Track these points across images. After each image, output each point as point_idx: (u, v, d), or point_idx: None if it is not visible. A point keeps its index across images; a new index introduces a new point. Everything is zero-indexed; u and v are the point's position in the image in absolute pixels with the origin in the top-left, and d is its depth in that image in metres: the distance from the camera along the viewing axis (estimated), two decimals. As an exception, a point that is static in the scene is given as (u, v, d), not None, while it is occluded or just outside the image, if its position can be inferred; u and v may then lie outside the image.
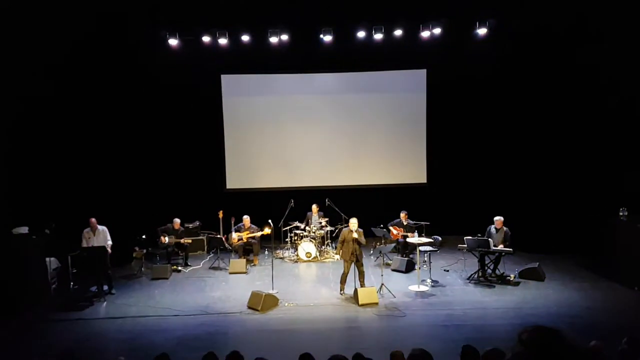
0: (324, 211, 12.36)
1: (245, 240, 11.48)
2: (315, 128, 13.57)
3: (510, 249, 9.70)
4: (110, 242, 9.85)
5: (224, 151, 13.53)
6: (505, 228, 10.10)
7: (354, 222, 9.11)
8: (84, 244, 9.67)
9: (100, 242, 9.71)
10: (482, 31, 11.85)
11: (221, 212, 12.03)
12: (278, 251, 12.28)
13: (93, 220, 9.77)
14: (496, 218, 10.20)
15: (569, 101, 11.76)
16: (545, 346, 2.07)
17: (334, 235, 12.26)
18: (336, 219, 12.19)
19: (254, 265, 11.46)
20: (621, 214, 9.84)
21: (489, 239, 9.76)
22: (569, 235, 11.30)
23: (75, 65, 11.22)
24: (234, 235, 11.50)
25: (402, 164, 13.66)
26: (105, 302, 9.28)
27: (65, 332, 8.01)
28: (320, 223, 12.09)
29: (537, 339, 2.11)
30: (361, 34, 12.12)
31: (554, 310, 8.35)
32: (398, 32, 12.04)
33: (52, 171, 11.25)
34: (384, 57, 12.72)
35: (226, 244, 11.76)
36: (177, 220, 11.47)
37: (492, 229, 10.18)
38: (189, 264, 11.56)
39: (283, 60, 12.67)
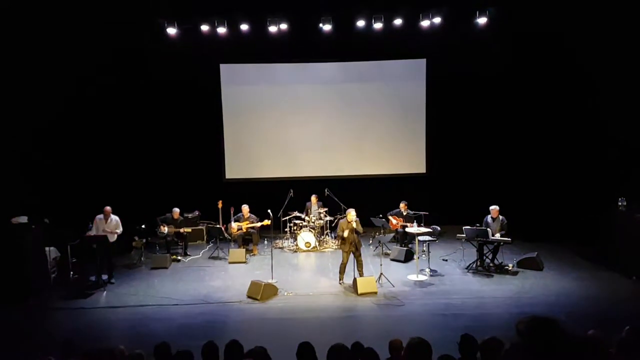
0: (323, 201, 12.37)
1: (244, 230, 11.49)
2: (314, 118, 13.54)
3: (509, 239, 9.73)
4: (119, 230, 9.91)
5: (223, 141, 13.51)
6: (501, 217, 10.14)
7: (352, 214, 9.11)
8: (93, 232, 9.68)
9: (111, 229, 9.79)
10: (482, 20, 11.78)
11: (220, 202, 12.03)
12: (277, 241, 12.30)
13: (108, 208, 9.84)
14: (492, 207, 10.23)
15: (568, 91, 11.72)
16: (543, 336, 2.08)
17: (332, 225, 12.28)
18: (335, 209, 12.19)
19: (254, 254, 11.49)
20: (620, 204, 9.85)
21: (488, 229, 9.79)
22: (568, 224, 11.32)
23: (72, 56, 11.14)
24: (234, 225, 11.51)
25: (402, 153, 13.66)
26: (105, 291, 9.31)
27: (65, 321, 8.05)
28: (320, 213, 12.10)
29: (534, 329, 2.12)
30: (361, 23, 12.05)
31: (552, 300, 8.39)
32: (398, 22, 11.98)
33: (52, 160, 11.22)
34: (384, 46, 12.66)
35: (225, 234, 11.78)
36: (177, 210, 11.48)
37: (489, 218, 10.22)
38: (189, 253, 11.59)
39: (282, 50, 12.62)
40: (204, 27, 11.97)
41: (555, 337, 2.07)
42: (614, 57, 10.57)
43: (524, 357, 2.15)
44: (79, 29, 10.81)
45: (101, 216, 9.83)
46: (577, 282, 9.28)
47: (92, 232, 9.73)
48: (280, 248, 11.95)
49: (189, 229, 11.63)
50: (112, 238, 9.80)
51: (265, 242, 12.27)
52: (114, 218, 9.92)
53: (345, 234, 9.00)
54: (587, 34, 10.77)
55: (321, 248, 11.81)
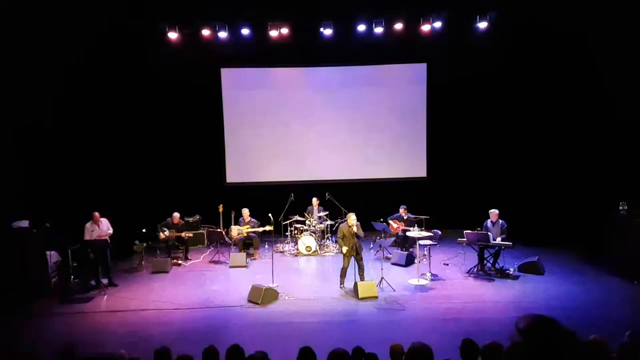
0: (324, 205, 12.36)
1: (245, 234, 11.49)
2: (315, 122, 13.55)
3: (510, 243, 9.71)
4: (110, 231, 9.92)
5: (224, 145, 13.52)
6: (501, 221, 10.12)
7: (352, 218, 9.11)
8: (87, 237, 9.67)
9: (105, 232, 9.82)
10: (482, 25, 11.82)
11: (221, 206, 12.05)
12: (278, 245, 12.29)
13: (97, 214, 9.81)
14: (491, 211, 10.21)
15: (569, 94, 11.73)
16: (543, 334, 2.07)
17: (333, 229, 12.27)
18: (336, 213, 12.19)
19: (254, 259, 11.48)
20: (621, 208, 9.84)
21: (489, 233, 9.77)
22: (569, 229, 11.31)
23: (74, 60, 11.16)
24: (234, 229, 11.51)
25: (402, 157, 13.66)
26: (106, 296, 9.30)
27: (66, 326, 8.04)
28: (320, 217, 12.09)
29: (534, 327, 2.11)
30: (361, 28, 12.09)
31: (553, 304, 8.36)
32: (398, 26, 12.02)
33: (53, 165, 11.21)
34: (384, 50, 12.72)
35: (226, 238, 11.77)
36: (176, 215, 11.47)
37: (489, 222, 10.20)
38: (189, 257, 11.59)
39: (283, 54, 12.66)
40: (205, 32, 12.01)
41: (557, 336, 2.07)
42: (615, 60, 10.56)
43: (524, 356, 2.15)
44: (80, 33, 10.83)
45: (90, 222, 9.77)
46: (578, 286, 9.26)
47: (87, 237, 9.70)
48: (281, 252, 11.94)
49: (189, 233, 11.63)
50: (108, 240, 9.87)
51: (266, 246, 12.26)
52: (104, 221, 9.94)
53: (344, 250, 9.08)
54: (588, 37, 10.80)
55: (322, 252, 11.80)
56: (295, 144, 13.59)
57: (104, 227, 9.85)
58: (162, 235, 11.16)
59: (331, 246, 12.08)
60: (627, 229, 9.60)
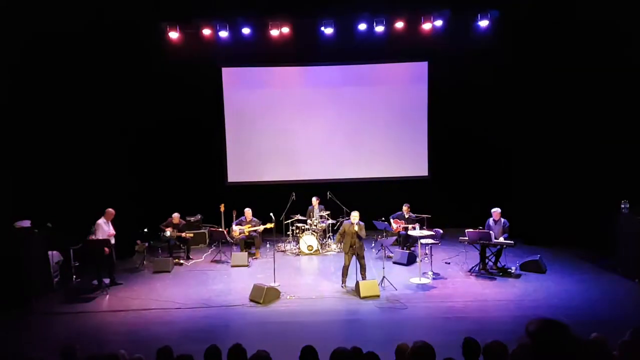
0: (325, 204, 12.36)
1: (246, 233, 11.50)
2: (316, 121, 13.55)
3: (512, 242, 9.71)
4: (113, 233, 9.95)
5: (225, 145, 13.52)
6: (503, 219, 10.12)
7: (355, 216, 9.11)
8: (99, 235, 9.66)
9: (110, 230, 9.90)
10: (484, 23, 11.81)
11: (222, 205, 12.05)
12: (279, 244, 12.29)
13: (112, 210, 9.87)
14: (493, 210, 10.21)
15: (571, 91, 11.70)
16: (552, 338, 2.08)
17: (335, 228, 12.27)
18: (337, 212, 12.19)
19: (256, 258, 11.48)
20: (622, 206, 9.83)
21: (490, 232, 9.77)
22: (571, 227, 11.30)
23: (76, 57, 11.17)
24: (236, 229, 11.52)
25: (404, 156, 13.65)
26: (107, 295, 9.32)
27: (68, 325, 8.05)
28: (322, 216, 12.09)
29: (544, 331, 2.11)
30: (362, 27, 12.09)
31: (555, 303, 8.36)
32: (399, 25, 12.02)
33: (54, 164, 11.22)
34: (386, 49, 12.71)
35: (228, 237, 11.78)
36: (176, 215, 11.48)
37: (491, 221, 10.20)
38: (191, 257, 11.60)
39: (284, 53, 12.66)
40: (206, 31, 12.02)
41: (565, 340, 2.07)
42: (613, 59, 10.56)
43: (532, 358, 2.15)
44: (81, 31, 10.84)
45: (103, 220, 9.82)
46: (579, 284, 9.25)
47: (98, 236, 9.71)
48: (282, 251, 11.95)
49: (191, 233, 11.64)
50: (112, 240, 9.89)
51: (268, 245, 12.26)
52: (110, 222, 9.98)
53: (336, 241, 9.12)
54: (587, 35, 10.78)
55: (323, 251, 11.80)
56: (296, 143, 13.58)
57: (111, 227, 9.91)
58: (166, 230, 11.19)
59: (333, 245, 12.08)
60: (628, 227, 9.59)
